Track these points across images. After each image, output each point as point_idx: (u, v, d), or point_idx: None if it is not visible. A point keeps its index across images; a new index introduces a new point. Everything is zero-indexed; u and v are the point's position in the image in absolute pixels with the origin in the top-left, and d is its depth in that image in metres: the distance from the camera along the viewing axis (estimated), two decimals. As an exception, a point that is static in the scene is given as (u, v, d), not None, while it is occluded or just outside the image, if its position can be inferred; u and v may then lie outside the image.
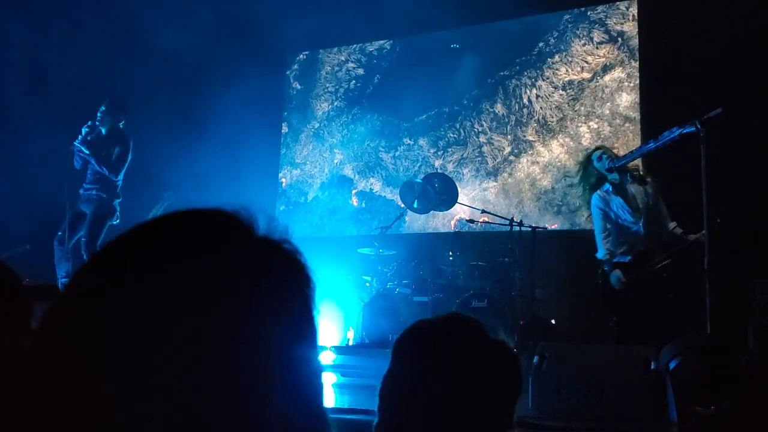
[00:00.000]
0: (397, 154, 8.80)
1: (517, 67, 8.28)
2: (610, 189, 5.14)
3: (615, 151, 5.52)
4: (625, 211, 5.07)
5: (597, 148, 5.44)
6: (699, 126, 4.18)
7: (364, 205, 8.82)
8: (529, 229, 6.62)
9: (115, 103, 6.66)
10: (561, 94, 8.04)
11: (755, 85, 6.34)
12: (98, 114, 6.57)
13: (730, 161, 5.66)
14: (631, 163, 5.26)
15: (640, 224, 5.06)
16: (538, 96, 8.16)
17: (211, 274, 0.66)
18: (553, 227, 7.58)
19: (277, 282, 0.71)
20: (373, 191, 8.85)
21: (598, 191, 5.16)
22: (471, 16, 8.36)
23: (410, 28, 8.56)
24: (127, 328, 0.63)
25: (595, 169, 5.22)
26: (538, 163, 8.06)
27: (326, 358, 6.38)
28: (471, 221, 7.01)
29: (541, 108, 8.12)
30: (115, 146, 6.57)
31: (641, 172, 5.40)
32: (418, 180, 7.26)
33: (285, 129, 9.60)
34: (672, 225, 5.16)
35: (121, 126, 6.69)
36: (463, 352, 1.39)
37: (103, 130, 6.62)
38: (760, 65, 6.44)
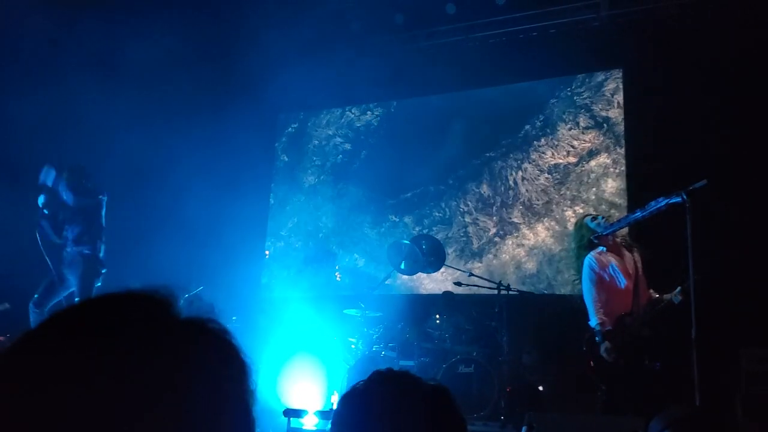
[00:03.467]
0: (382, 230, 8.79)
1: (504, 149, 8.37)
2: (605, 250, 5.12)
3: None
4: (618, 273, 5.04)
5: (588, 214, 5.50)
6: (685, 197, 4.22)
7: (347, 280, 8.71)
8: (517, 293, 6.57)
9: (76, 172, 6.37)
10: (547, 178, 8.10)
11: (741, 166, 6.46)
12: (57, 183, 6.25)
13: (716, 231, 5.70)
14: (620, 231, 5.28)
15: (630, 289, 5.01)
16: (524, 178, 8.22)
17: (124, 363, 0.62)
18: (540, 292, 7.53)
19: (197, 367, 0.65)
20: (357, 266, 8.77)
21: (593, 252, 5.14)
22: (460, 84, 8.51)
23: (401, 94, 8.69)
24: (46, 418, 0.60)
25: (589, 230, 5.22)
26: (523, 245, 8.05)
27: (309, 422, 6.19)
28: (458, 284, 6.91)
29: (526, 190, 8.17)
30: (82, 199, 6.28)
31: (628, 241, 5.41)
32: (406, 241, 7.21)
33: (272, 201, 9.61)
34: (651, 292, 5.17)
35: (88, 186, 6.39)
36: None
37: (64, 196, 6.27)
38: (747, 149, 6.57)
